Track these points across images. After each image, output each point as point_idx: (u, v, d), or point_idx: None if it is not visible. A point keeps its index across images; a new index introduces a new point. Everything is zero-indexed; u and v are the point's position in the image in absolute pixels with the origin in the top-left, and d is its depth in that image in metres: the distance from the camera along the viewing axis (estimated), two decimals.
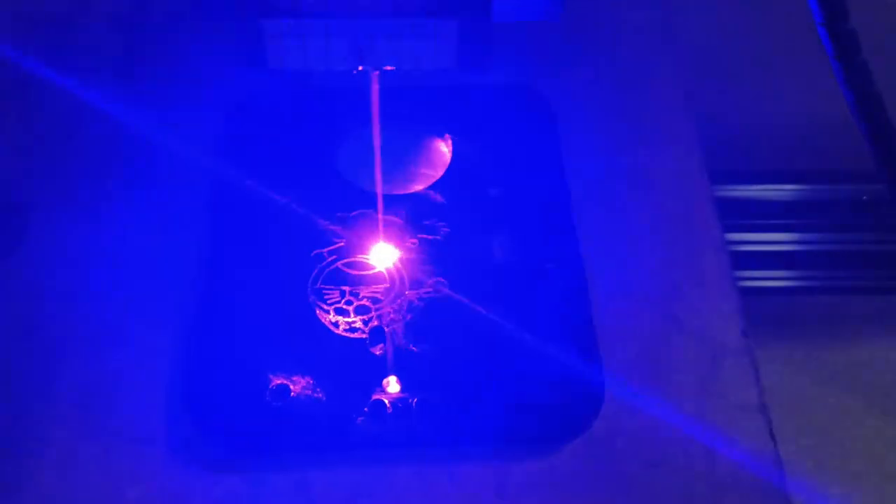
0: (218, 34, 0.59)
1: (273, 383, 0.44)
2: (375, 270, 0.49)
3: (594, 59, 0.62)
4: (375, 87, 0.40)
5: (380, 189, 0.48)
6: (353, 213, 0.51)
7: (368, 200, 0.52)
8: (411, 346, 0.46)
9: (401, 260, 0.49)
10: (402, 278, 0.49)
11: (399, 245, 0.50)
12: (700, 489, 0.43)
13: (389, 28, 0.33)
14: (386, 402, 0.44)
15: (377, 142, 0.45)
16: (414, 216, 0.51)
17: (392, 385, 0.45)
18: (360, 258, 0.50)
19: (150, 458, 0.43)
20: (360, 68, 0.35)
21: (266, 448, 0.43)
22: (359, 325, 0.47)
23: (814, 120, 0.68)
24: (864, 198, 0.80)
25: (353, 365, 0.45)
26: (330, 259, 0.49)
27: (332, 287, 0.48)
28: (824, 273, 0.81)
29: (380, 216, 0.49)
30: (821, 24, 0.29)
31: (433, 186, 0.54)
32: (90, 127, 0.56)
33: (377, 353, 0.46)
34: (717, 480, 0.44)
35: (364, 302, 0.48)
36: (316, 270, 0.49)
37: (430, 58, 0.34)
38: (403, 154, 0.56)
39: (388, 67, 0.35)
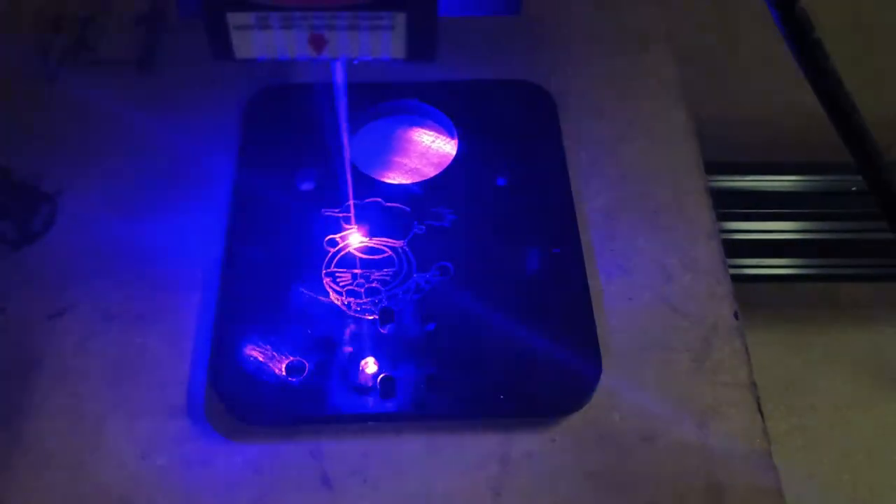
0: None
1: (290, 359, 0.47)
2: (384, 255, 0.52)
3: (590, 54, 0.64)
4: (339, 76, 0.43)
5: (348, 169, 0.51)
6: (365, 201, 0.54)
7: (380, 189, 0.55)
8: (419, 325, 0.49)
9: (409, 245, 0.52)
10: (410, 262, 0.51)
11: (407, 231, 0.53)
12: (692, 462, 0.46)
13: (344, 19, 0.35)
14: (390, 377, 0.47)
15: (344, 129, 0.47)
16: (421, 204, 0.54)
17: (370, 366, 0.47)
18: (370, 243, 0.52)
19: (176, 428, 0.46)
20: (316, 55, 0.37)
21: (283, 418, 0.46)
22: (369, 306, 0.50)
23: (804, 112, 0.69)
24: (853, 188, 0.83)
25: (364, 343, 0.48)
26: (342, 244, 0.52)
27: (345, 270, 0.51)
28: (816, 261, 0.83)
29: (350, 201, 0.52)
30: (773, 5, 0.31)
31: (439, 176, 0.56)
32: (115, 120, 0.58)
33: (385, 332, 0.49)
34: (709, 454, 0.46)
35: (374, 284, 0.50)
36: (329, 255, 0.52)
37: (383, 49, 0.36)
38: (411, 146, 0.59)
39: (344, 57, 0.37)
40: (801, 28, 0.32)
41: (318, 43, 0.35)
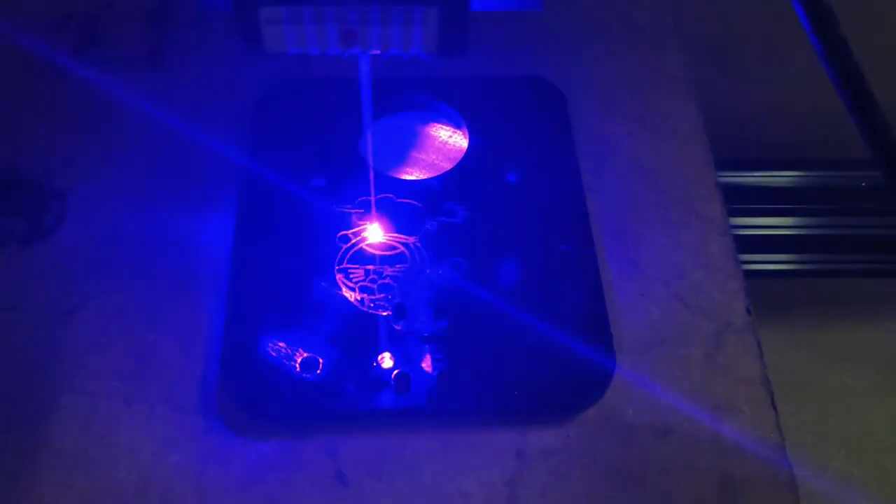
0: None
1: (303, 355, 0.47)
2: (396, 251, 0.52)
3: (602, 51, 0.64)
4: (366, 70, 0.43)
5: (370, 164, 0.51)
6: (377, 197, 0.54)
7: (392, 185, 0.55)
8: (432, 321, 0.49)
9: (421, 241, 0.52)
10: (422, 258, 0.51)
11: (419, 227, 0.53)
12: (706, 457, 0.46)
13: (376, 14, 0.35)
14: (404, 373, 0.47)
15: (368, 122, 0.47)
16: (433, 200, 0.54)
17: (386, 361, 0.47)
18: (383, 239, 0.52)
19: (190, 425, 0.46)
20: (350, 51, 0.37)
21: (297, 416, 0.46)
22: (382, 301, 0.50)
23: (815, 108, 0.69)
24: (863, 184, 0.83)
25: (378, 339, 0.48)
26: (355, 240, 0.52)
27: (357, 266, 0.51)
28: (826, 257, 0.83)
29: (372, 195, 0.52)
30: (796, 1, 0.31)
31: (451, 173, 0.56)
32: (125, 116, 0.58)
33: (399, 328, 0.49)
34: (723, 449, 0.46)
35: (387, 280, 0.50)
36: (342, 251, 0.51)
37: (414, 43, 0.36)
38: (423, 141, 0.58)
39: (374, 52, 0.37)
40: (825, 24, 0.32)
41: (348, 38, 0.35)
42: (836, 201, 0.84)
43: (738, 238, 0.55)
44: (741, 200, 0.83)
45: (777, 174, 0.84)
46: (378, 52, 0.37)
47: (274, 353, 0.47)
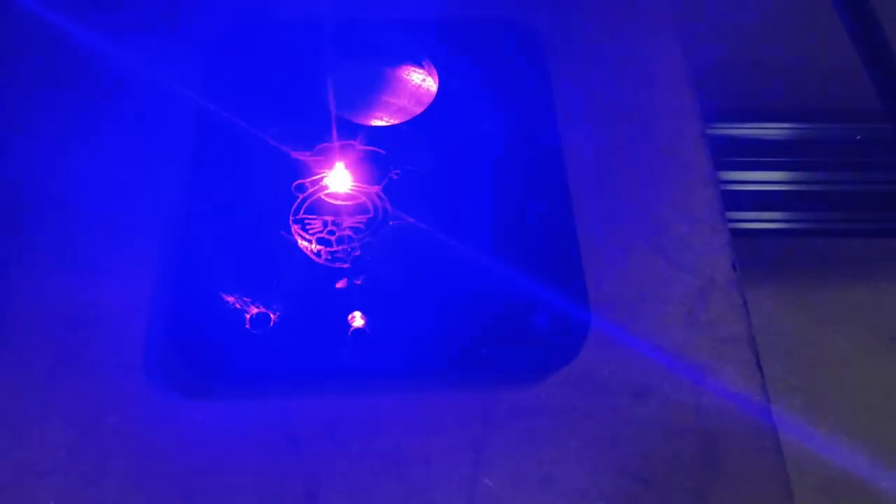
0: None
1: (252, 311, 0.44)
2: (358, 201, 0.48)
3: None
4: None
5: (333, 109, 0.48)
6: (339, 144, 0.50)
7: (355, 131, 0.51)
8: (395, 275, 0.46)
9: (383, 191, 0.49)
10: (385, 209, 0.48)
11: (382, 176, 0.49)
12: (686, 420, 0.43)
13: None
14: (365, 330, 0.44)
15: (327, 65, 0.43)
16: (399, 148, 0.51)
17: (357, 320, 0.44)
18: (343, 189, 0.49)
19: (130, 385, 0.43)
20: None
21: (246, 375, 0.43)
22: (341, 254, 0.46)
23: (811, 58, 0.66)
24: (858, 137, 0.79)
25: (333, 294, 0.45)
26: (312, 189, 0.49)
27: (315, 217, 0.47)
28: (819, 215, 0.81)
29: (333, 129, 0.49)
30: None
31: (420, 119, 0.53)
32: (75, 56, 0.54)
33: (358, 282, 0.45)
34: (704, 411, 0.43)
35: (346, 232, 0.47)
36: (298, 200, 0.48)
37: None
38: (391, 85, 0.55)
39: None
40: None
41: None
42: (829, 155, 0.81)
43: (726, 194, 0.52)
44: (731, 154, 0.80)
45: (768, 126, 0.81)
46: None
47: (223, 309, 0.44)
